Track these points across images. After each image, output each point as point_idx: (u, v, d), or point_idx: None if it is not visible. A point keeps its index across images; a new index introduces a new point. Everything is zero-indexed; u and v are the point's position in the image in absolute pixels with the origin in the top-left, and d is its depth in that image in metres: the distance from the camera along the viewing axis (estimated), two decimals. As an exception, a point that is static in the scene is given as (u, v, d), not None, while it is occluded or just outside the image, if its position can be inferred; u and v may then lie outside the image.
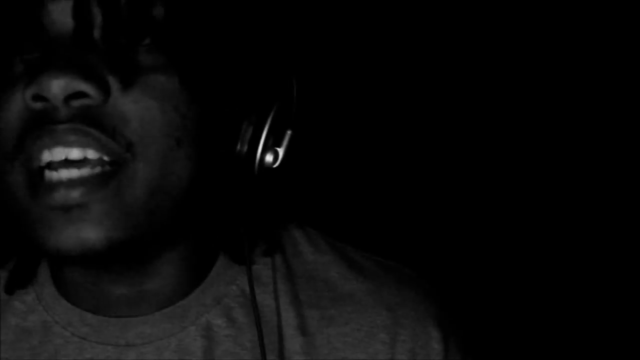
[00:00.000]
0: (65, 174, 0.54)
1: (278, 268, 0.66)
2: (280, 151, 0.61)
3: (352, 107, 1.41)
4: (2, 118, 0.55)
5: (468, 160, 1.45)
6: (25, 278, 0.66)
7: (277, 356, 0.63)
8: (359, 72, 1.41)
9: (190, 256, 0.63)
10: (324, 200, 1.21)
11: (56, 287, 0.65)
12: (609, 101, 1.39)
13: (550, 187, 1.44)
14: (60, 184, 0.53)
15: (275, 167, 0.61)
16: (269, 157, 0.61)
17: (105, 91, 0.54)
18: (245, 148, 0.60)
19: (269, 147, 0.61)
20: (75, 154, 0.53)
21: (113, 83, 0.54)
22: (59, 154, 0.53)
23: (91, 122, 0.53)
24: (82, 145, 0.53)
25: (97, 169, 0.54)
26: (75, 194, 0.53)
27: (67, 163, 0.54)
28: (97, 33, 0.55)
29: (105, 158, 0.54)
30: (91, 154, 0.54)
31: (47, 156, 0.53)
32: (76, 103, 0.53)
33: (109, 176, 0.54)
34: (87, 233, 0.53)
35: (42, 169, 0.54)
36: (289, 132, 0.62)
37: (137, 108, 0.54)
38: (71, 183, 0.53)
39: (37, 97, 0.53)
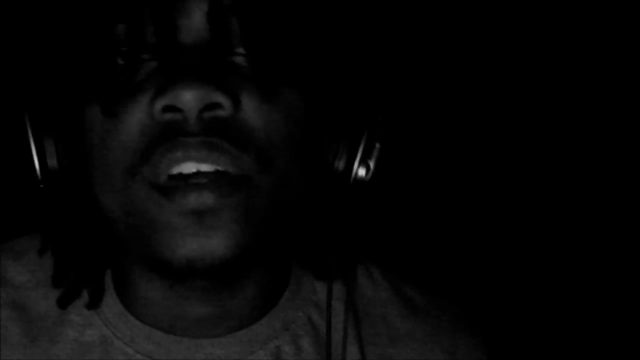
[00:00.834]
0: (196, 180, 0.52)
1: (342, 298, 0.66)
2: (372, 164, 0.61)
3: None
4: (122, 130, 0.52)
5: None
6: (94, 295, 0.63)
7: None
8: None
9: (269, 278, 0.63)
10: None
11: (122, 303, 0.63)
12: (609, 101, 1.40)
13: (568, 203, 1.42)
14: (195, 186, 0.51)
15: (366, 181, 0.60)
16: (361, 171, 0.60)
17: (237, 103, 0.52)
18: (342, 162, 0.60)
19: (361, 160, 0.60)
20: (206, 167, 0.52)
21: (244, 94, 0.53)
22: (189, 168, 0.52)
23: (223, 134, 0.51)
24: (214, 162, 0.51)
25: (228, 178, 0.52)
26: (209, 199, 0.51)
27: (199, 174, 0.52)
28: (234, 41, 0.53)
29: (235, 170, 0.52)
30: (222, 166, 0.52)
31: (176, 170, 0.52)
32: (208, 115, 0.51)
33: (238, 185, 0.52)
34: (217, 242, 0.52)
35: (169, 178, 0.52)
36: (377, 145, 0.61)
37: (266, 121, 0.53)
38: (205, 186, 0.51)
39: (169, 108, 0.51)
